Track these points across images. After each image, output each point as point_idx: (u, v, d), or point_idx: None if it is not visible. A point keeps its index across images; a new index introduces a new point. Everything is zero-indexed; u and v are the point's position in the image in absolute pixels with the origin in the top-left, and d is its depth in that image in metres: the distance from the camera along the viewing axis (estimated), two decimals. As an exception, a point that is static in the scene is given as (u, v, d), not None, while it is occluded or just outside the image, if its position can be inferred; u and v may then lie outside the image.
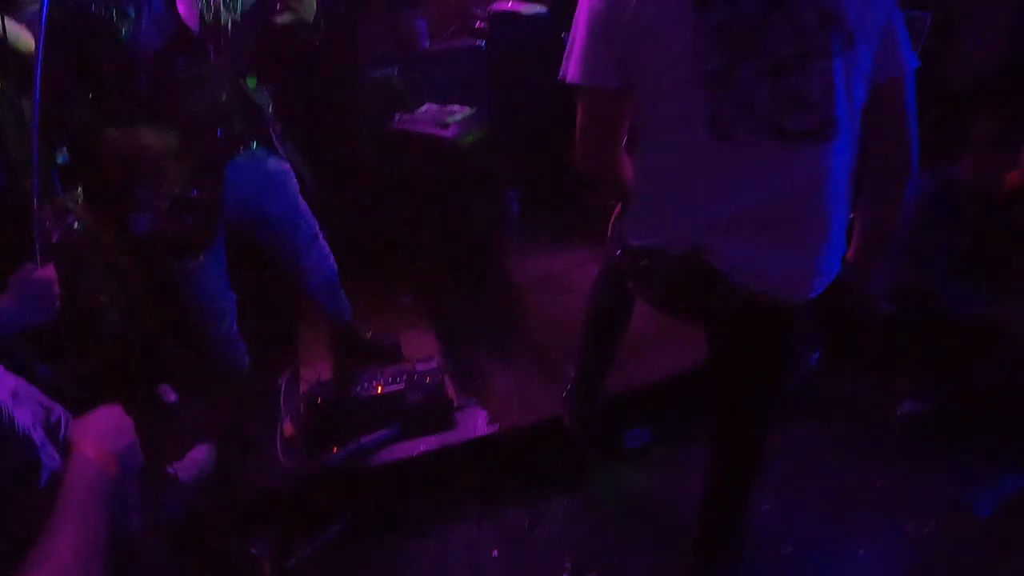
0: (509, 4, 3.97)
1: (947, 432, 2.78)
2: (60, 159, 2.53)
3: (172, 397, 2.76)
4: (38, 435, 1.20)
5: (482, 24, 4.00)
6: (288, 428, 2.59)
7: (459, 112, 3.49)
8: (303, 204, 2.58)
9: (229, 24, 2.23)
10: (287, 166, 2.50)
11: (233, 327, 2.57)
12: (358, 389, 2.59)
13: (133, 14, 2.10)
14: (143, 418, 1.29)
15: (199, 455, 2.51)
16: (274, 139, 2.44)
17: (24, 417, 1.19)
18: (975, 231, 2.90)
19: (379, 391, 2.58)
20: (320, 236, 2.68)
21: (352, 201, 3.51)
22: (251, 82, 2.34)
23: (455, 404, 2.69)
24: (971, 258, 2.92)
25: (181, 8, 2.15)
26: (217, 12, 2.21)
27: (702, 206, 1.54)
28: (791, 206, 1.52)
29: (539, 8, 3.92)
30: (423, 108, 3.64)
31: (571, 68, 1.60)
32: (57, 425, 1.29)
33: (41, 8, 1.64)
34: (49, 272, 1.54)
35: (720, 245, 1.55)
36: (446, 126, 3.38)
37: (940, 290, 2.94)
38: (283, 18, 2.30)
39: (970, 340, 2.84)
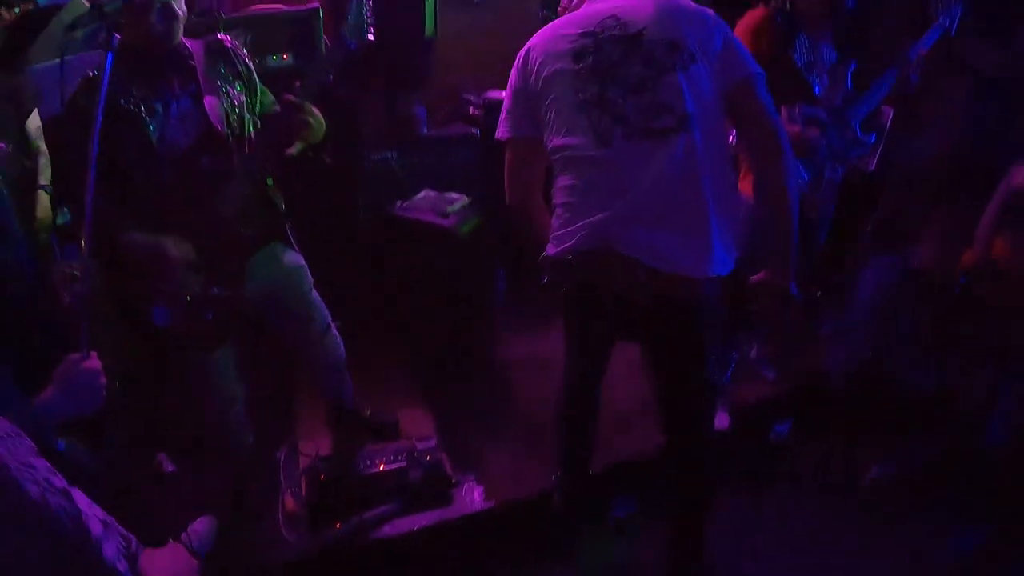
0: (502, 93, 4.17)
1: (909, 495, 3.00)
2: (60, 219, 2.58)
3: (170, 467, 2.83)
4: (123, 566, 1.28)
5: (476, 111, 4.22)
6: (290, 502, 2.69)
7: (458, 201, 3.66)
8: (317, 297, 2.67)
9: (251, 126, 2.38)
10: (302, 260, 2.60)
11: (240, 413, 2.61)
12: (360, 466, 2.72)
13: (161, 110, 2.21)
14: (141, 487, 1.38)
15: (201, 527, 2.53)
16: (289, 235, 2.56)
17: (111, 549, 1.27)
18: (933, 312, 3.12)
19: (381, 468, 2.71)
20: (332, 327, 2.75)
21: (350, 281, 3.66)
22: (269, 181, 2.47)
23: (452, 481, 2.82)
24: (927, 335, 3.14)
25: (208, 108, 2.27)
26: (241, 113, 2.35)
27: (604, 206, 1.94)
28: (672, 187, 1.91)
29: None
30: (421, 194, 3.81)
31: (499, 129, 2.19)
32: (136, 555, 1.38)
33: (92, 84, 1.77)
34: (95, 363, 1.63)
35: (627, 236, 1.92)
36: (446, 215, 3.55)
37: (900, 367, 3.14)
38: (295, 148, 2.38)
39: (928, 411, 3.05)
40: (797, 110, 2.84)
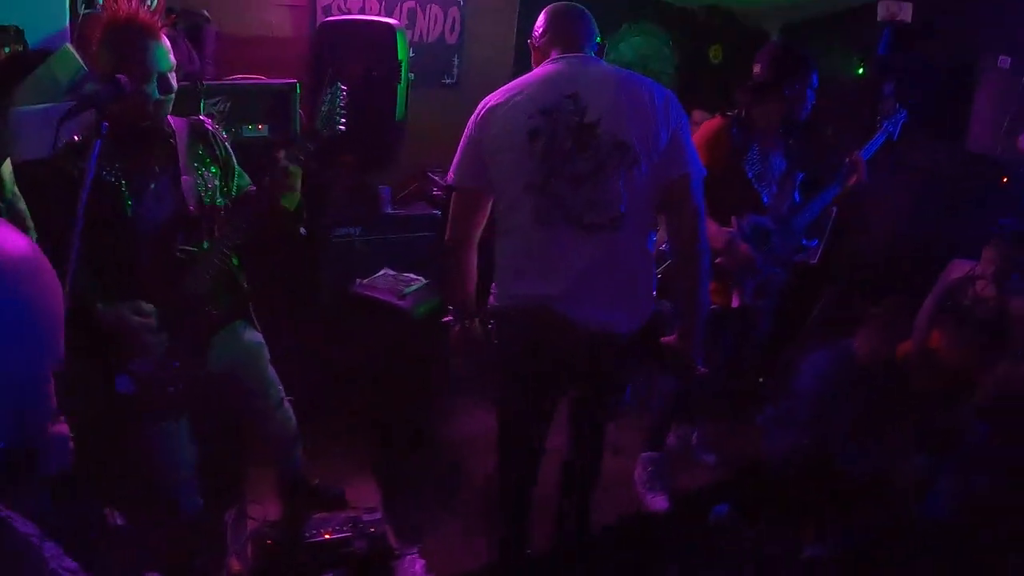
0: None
1: (846, 572, 3.10)
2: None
3: (119, 521, 2.77)
4: None
5: (440, 193, 4.37)
6: (235, 565, 2.67)
7: (415, 283, 3.76)
8: (272, 372, 2.71)
9: (222, 207, 2.41)
10: (261, 338, 2.64)
11: (192, 477, 2.60)
12: (307, 534, 2.70)
13: (140, 187, 2.23)
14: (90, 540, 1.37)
15: (148, 585, 2.53)
16: (252, 313, 2.60)
17: None
18: (870, 399, 3.29)
19: (327, 537, 2.70)
20: (285, 401, 2.80)
21: (309, 354, 3.68)
22: (235, 260, 2.49)
23: (396, 553, 2.82)
24: (865, 421, 3.29)
25: (184, 188, 2.29)
26: (214, 196, 2.39)
27: (543, 277, 2.19)
28: (600, 271, 2.17)
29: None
30: (381, 273, 3.90)
31: (450, 173, 2.36)
32: None
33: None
34: (64, 427, 1.63)
35: (562, 301, 2.19)
36: (403, 296, 3.64)
37: (838, 451, 3.27)
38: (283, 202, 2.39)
39: (865, 493, 3.17)
40: (745, 220, 3.00)
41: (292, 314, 3.59)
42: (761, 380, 4.18)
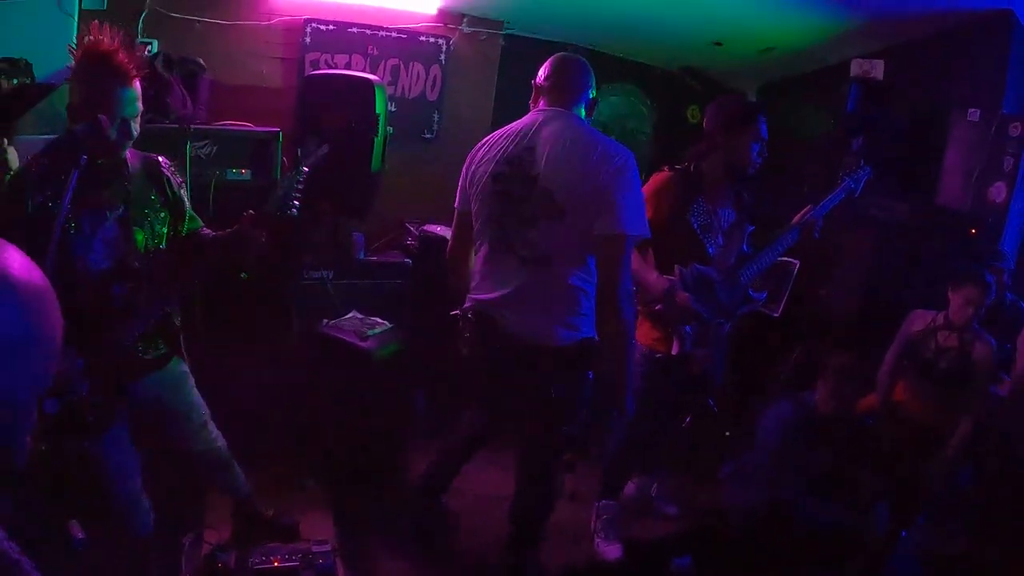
0: (439, 228, 4.50)
1: None
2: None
3: (80, 535, 2.79)
4: None
5: (413, 243, 4.51)
6: (185, 587, 2.71)
7: (379, 326, 3.83)
8: (197, 396, 2.70)
9: (165, 256, 2.41)
10: (186, 368, 2.63)
11: (137, 485, 2.57)
12: (256, 560, 2.75)
13: (88, 229, 2.20)
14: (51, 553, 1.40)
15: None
16: (181, 345, 2.58)
17: None
18: (828, 450, 3.36)
19: (275, 564, 2.75)
20: (209, 422, 2.78)
21: (270, 390, 3.76)
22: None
23: (344, 585, 2.86)
24: (827, 474, 3.35)
25: (130, 238, 2.28)
26: (159, 244, 2.40)
27: (491, 288, 2.61)
28: (532, 294, 2.53)
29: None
30: (348, 315, 4.01)
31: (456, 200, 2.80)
32: None
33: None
34: None
35: (498, 308, 2.59)
36: (365, 338, 3.73)
37: (797, 502, 3.32)
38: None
39: (828, 546, 3.21)
40: (688, 269, 3.05)
41: (263, 351, 3.69)
42: (727, 433, 4.24)
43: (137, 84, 2.19)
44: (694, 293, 3.03)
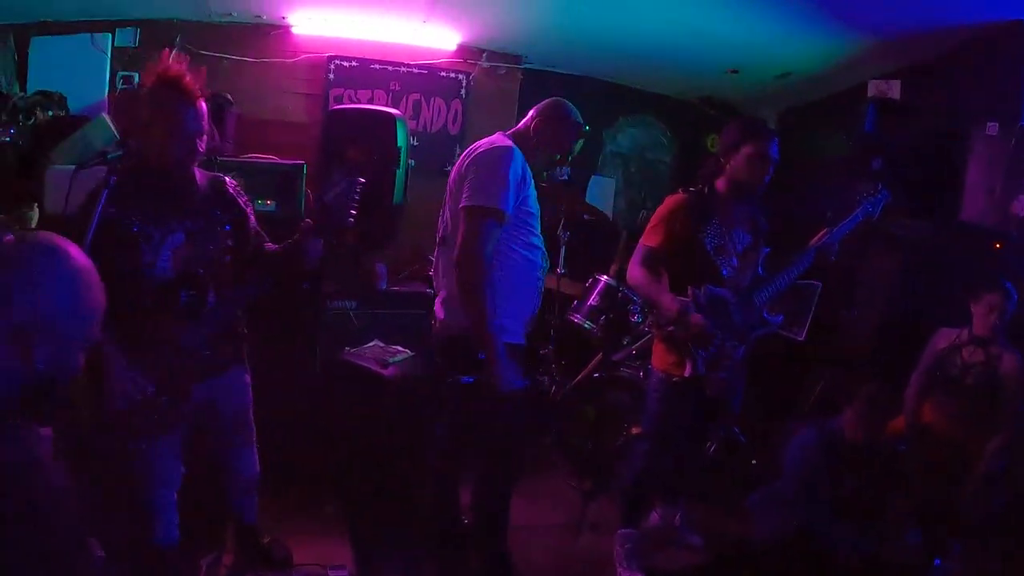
0: (458, 259, 4.54)
1: None
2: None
3: (98, 552, 2.79)
4: None
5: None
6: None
7: (401, 354, 3.85)
8: (250, 416, 2.77)
9: (230, 268, 2.51)
10: (248, 378, 2.72)
11: (173, 495, 2.60)
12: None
13: (158, 238, 2.32)
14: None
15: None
16: (244, 355, 2.68)
17: None
18: (857, 476, 3.26)
19: (292, 585, 2.73)
20: (254, 446, 2.83)
21: (293, 416, 3.78)
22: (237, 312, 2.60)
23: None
24: (856, 501, 3.25)
25: (197, 247, 2.39)
26: (222, 255, 2.49)
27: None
28: (444, 277, 2.83)
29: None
30: (370, 343, 4.04)
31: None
32: None
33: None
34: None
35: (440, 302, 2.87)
36: (386, 365, 3.74)
37: (825, 530, 3.22)
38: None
39: (859, 574, 3.10)
40: (702, 291, 3.00)
41: (288, 378, 3.72)
42: (753, 462, 4.15)
43: (202, 104, 2.35)
44: (707, 315, 2.97)
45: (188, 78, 2.31)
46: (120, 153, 2.22)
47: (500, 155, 2.64)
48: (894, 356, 3.95)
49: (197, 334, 2.41)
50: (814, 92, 5.26)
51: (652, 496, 3.54)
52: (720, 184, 3.13)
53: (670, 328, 2.99)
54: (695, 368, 2.98)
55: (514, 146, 2.71)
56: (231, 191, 2.58)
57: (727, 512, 3.87)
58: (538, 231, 2.83)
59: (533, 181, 2.77)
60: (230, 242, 2.53)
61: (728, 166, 3.09)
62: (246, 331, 2.70)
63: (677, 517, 3.70)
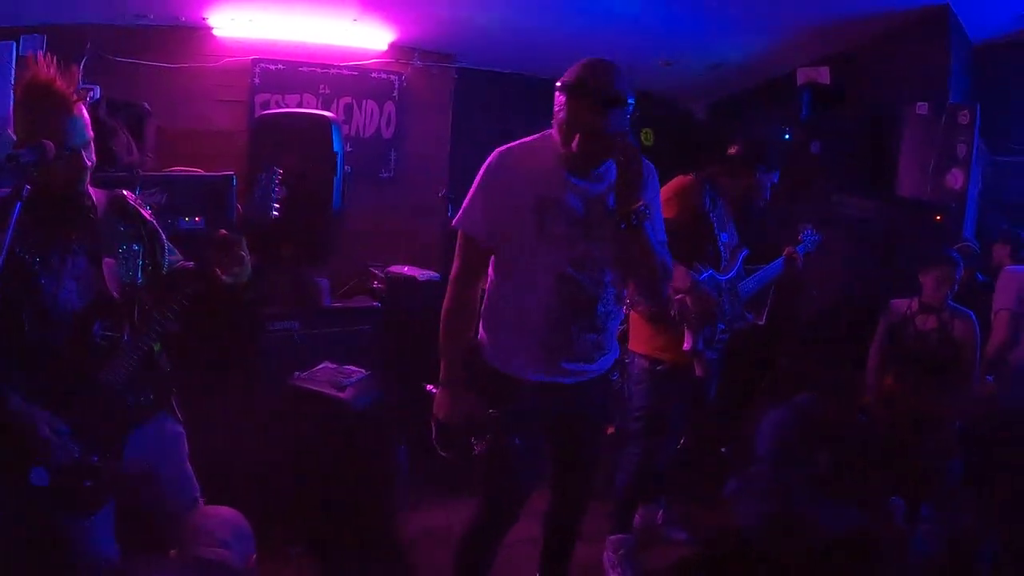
0: (405, 269, 4.37)
1: None
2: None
3: None
4: None
5: (380, 285, 4.34)
6: None
7: (355, 374, 3.63)
8: (189, 468, 2.51)
9: (146, 294, 2.26)
10: (181, 429, 2.46)
11: None
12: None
13: (57, 265, 2.09)
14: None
15: None
16: (174, 403, 2.42)
17: None
18: (831, 453, 3.28)
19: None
20: (200, 500, 2.55)
21: (247, 452, 3.50)
22: (156, 346, 2.33)
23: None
24: (831, 477, 3.27)
25: (105, 270, 2.17)
26: (135, 277, 2.25)
27: None
28: None
29: (432, 274, 4.33)
30: (320, 366, 3.78)
31: None
32: None
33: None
34: None
35: None
36: (343, 388, 3.52)
37: (808, 510, 3.22)
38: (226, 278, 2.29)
39: (848, 549, 3.09)
40: (704, 272, 3.04)
41: (225, 410, 3.42)
42: (723, 450, 4.15)
43: (82, 110, 2.08)
44: None
45: (59, 82, 2.01)
46: (36, 157, 1.91)
47: (482, 169, 2.28)
48: (849, 331, 4.07)
49: (117, 372, 2.14)
50: (742, 83, 5.39)
51: (641, 496, 3.46)
52: (734, 183, 3.22)
53: (678, 296, 2.94)
54: (695, 344, 2.97)
55: (502, 150, 2.27)
56: (132, 204, 2.31)
57: (707, 504, 3.82)
58: (571, 255, 2.25)
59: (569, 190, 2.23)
60: (140, 261, 2.27)
61: (757, 175, 3.20)
62: (170, 368, 2.39)
63: (659, 515, 3.68)
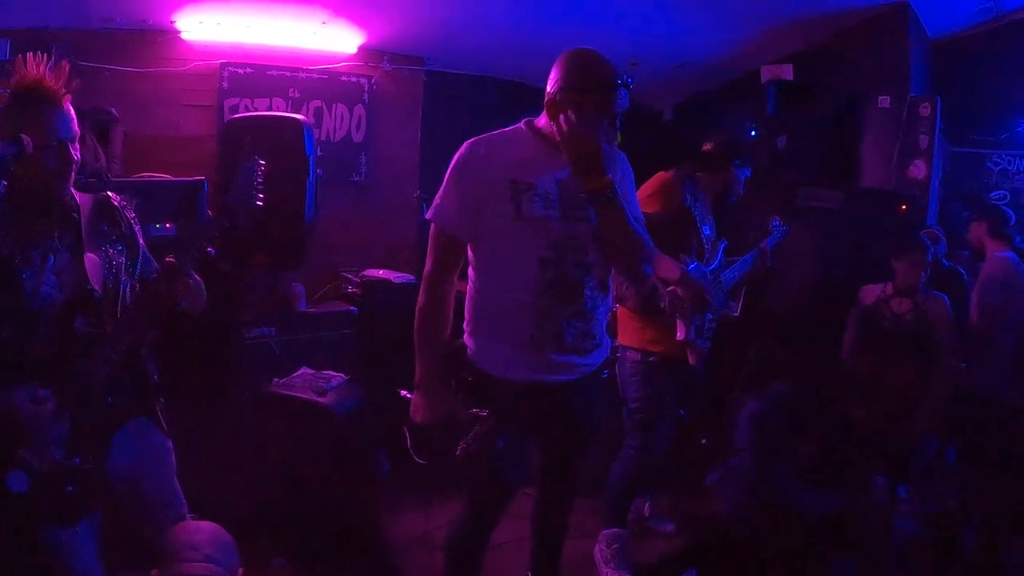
0: (380, 272, 4.35)
1: None
2: None
3: None
4: None
5: (355, 290, 4.31)
6: None
7: (335, 379, 3.60)
8: (176, 484, 2.46)
9: (129, 292, 2.24)
10: (169, 443, 2.41)
11: None
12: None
13: (38, 261, 2.07)
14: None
15: None
16: (159, 412, 2.37)
17: None
18: (812, 438, 3.35)
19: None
20: (187, 516, 2.49)
21: (228, 462, 3.43)
22: (142, 351, 2.29)
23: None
24: (812, 462, 3.33)
25: (87, 265, 2.15)
26: (118, 275, 2.22)
27: None
28: None
29: (407, 276, 4.32)
30: (299, 372, 3.74)
31: None
32: None
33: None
34: None
35: None
36: (323, 393, 3.48)
37: (791, 496, 3.27)
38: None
39: (833, 530, 3.15)
40: (690, 264, 3.09)
41: (206, 420, 3.36)
42: (703, 441, 4.19)
43: (68, 105, 2.08)
44: None
45: (49, 79, 2.04)
46: (15, 151, 1.90)
47: (453, 162, 2.23)
48: (823, 320, 4.14)
49: (98, 370, 2.10)
50: (707, 82, 5.49)
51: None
52: (711, 178, 3.31)
53: (670, 288, 2.98)
54: (688, 333, 3.01)
55: (472, 141, 2.24)
56: (116, 203, 2.30)
57: (692, 495, 3.87)
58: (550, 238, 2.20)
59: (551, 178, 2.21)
60: (122, 259, 2.24)
61: (713, 175, 3.29)
62: (157, 380, 2.34)
63: (646, 507, 3.70)
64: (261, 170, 2.24)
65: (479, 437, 2.24)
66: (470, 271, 2.30)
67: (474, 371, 2.26)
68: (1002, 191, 5.24)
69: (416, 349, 2.27)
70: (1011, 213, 4.21)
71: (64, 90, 2.07)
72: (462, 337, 2.33)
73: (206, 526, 2.11)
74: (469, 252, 2.27)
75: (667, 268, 2.97)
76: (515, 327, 2.19)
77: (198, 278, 2.21)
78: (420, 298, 2.26)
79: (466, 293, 2.32)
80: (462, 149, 2.22)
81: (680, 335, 3.02)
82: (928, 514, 3.49)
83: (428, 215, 2.23)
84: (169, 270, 2.13)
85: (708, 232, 3.29)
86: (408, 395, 2.37)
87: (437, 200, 2.22)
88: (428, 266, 2.25)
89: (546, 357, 2.19)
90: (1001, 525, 3.30)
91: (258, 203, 2.24)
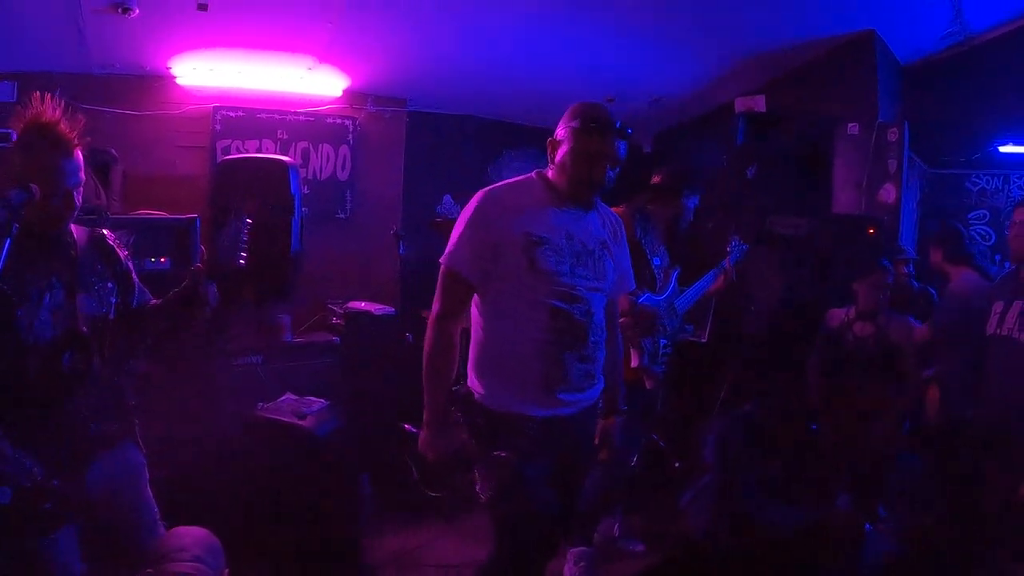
0: (362, 304, 4.52)
1: None
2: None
3: None
4: None
5: (338, 321, 4.49)
6: None
7: (316, 404, 3.74)
8: (149, 494, 2.55)
9: (115, 327, 2.35)
10: (143, 458, 2.52)
11: None
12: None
13: (35, 297, 2.13)
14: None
15: None
16: (137, 432, 2.48)
17: None
18: (778, 456, 3.41)
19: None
20: (159, 524, 2.59)
21: (212, 482, 3.56)
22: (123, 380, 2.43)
23: None
24: (779, 480, 3.38)
25: (79, 305, 2.22)
26: (108, 314, 2.33)
27: None
28: None
29: (388, 309, 4.48)
30: (283, 398, 3.89)
31: None
32: None
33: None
34: None
35: None
36: (304, 417, 3.61)
37: (760, 512, 3.32)
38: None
39: (799, 547, 3.17)
40: (640, 296, 3.20)
41: (194, 441, 3.51)
42: (676, 464, 4.24)
43: (79, 154, 2.18)
44: None
45: (63, 125, 2.11)
46: (26, 197, 1.99)
47: (468, 208, 2.31)
48: (789, 344, 4.22)
49: (84, 402, 2.23)
50: (685, 114, 5.63)
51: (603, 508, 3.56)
52: (660, 209, 3.47)
53: (621, 320, 3.05)
54: (641, 359, 3.14)
55: (487, 189, 2.33)
56: (111, 243, 2.43)
57: (663, 516, 3.90)
58: (560, 289, 2.29)
59: (567, 226, 2.32)
60: (114, 299, 2.37)
61: (675, 205, 3.47)
62: (134, 403, 2.49)
63: (615, 527, 3.76)
64: (247, 229, 2.41)
65: (503, 473, 2.28)
66: (475, 315, 2.36)
67: (486, 413, 2.32)
68: (982, 210, 5.37)
69: (425, 389, 2.32)
70: (991, 232, 4.28)
71: (77, 141, 2.14)
72: (464, 382, 2.40)
73: (193, 530, 2.25)
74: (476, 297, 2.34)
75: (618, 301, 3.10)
76: (526, 369, 2.29)
77: (214, 289, 2.36)
78: (428, 339, 2.30)
79: (471, 336, 2.40)
80: (478, 198, 2.29)
81: (634, 363, 3.14)
82: (904, 530, 3.53)
83: (442, 259, 2.29)
84: (196, 275, 2.29)
85: (659, 262, 3.41)
86: (412, 429, 2.46)
87: (451, 246, 2.28)
88: (437, 307, 2.30)
89: (554, 394, 2.30)
90: (975, 539, 3.34)
91: (240, 262, 2.41)
